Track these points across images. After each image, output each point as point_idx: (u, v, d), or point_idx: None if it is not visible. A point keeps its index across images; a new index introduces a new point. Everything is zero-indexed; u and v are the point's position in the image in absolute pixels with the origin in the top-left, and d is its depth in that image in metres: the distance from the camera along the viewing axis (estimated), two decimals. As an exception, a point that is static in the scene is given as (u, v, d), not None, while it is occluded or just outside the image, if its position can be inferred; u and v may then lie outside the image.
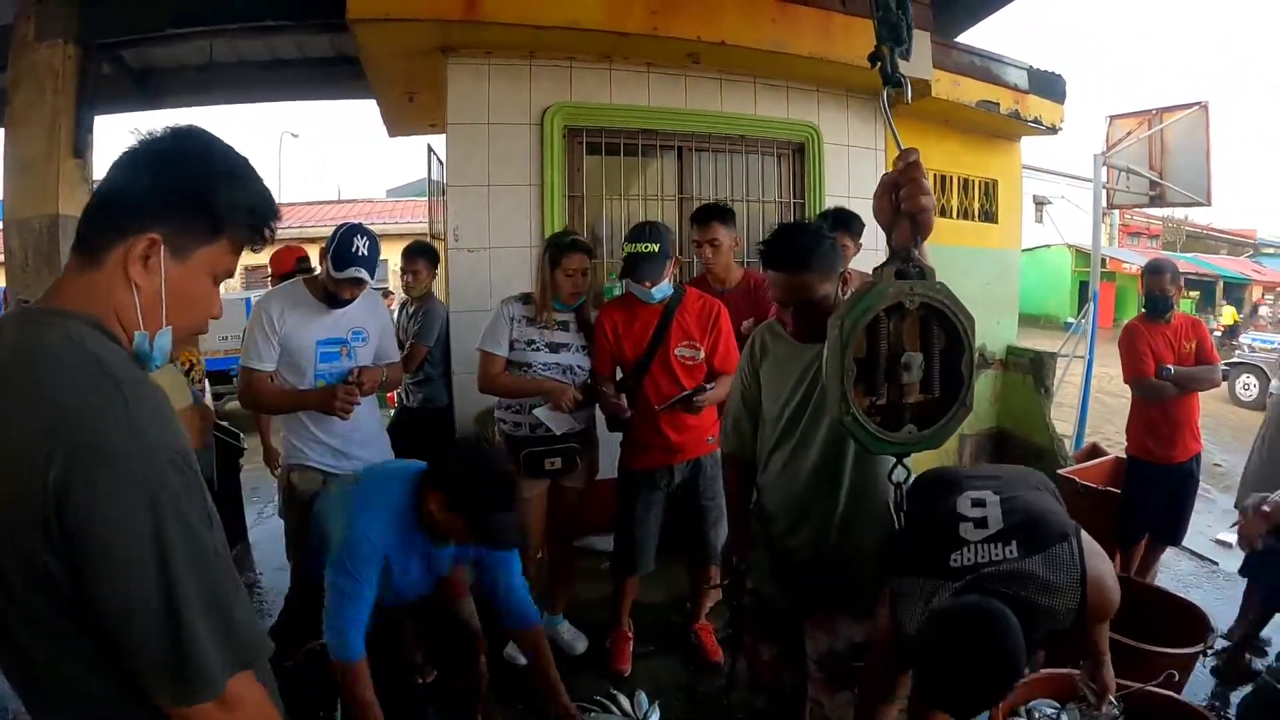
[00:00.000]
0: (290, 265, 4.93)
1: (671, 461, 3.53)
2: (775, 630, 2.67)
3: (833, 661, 2.50)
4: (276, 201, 1.34)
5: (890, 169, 1.69)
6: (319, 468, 3.24)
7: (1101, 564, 2.01)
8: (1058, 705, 2.63)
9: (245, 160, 1.29)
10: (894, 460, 2.07)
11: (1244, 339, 16.87)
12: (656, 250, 3.31)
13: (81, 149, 4.81)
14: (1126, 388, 4.53)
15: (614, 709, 3.44)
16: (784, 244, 2.41)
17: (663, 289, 3.38)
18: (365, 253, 3.10)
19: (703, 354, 3.45)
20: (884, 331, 1.57)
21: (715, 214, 3.87)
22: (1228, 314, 16.19)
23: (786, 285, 2.39)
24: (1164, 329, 4.33)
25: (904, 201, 1.58)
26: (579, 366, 3.57)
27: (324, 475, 3.22)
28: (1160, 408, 4.31)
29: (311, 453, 3.24)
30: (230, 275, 1.39)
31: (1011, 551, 1.95)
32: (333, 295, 3.16)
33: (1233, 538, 6.40)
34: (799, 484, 2.44)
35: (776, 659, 2.72)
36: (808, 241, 2.38)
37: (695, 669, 3.77)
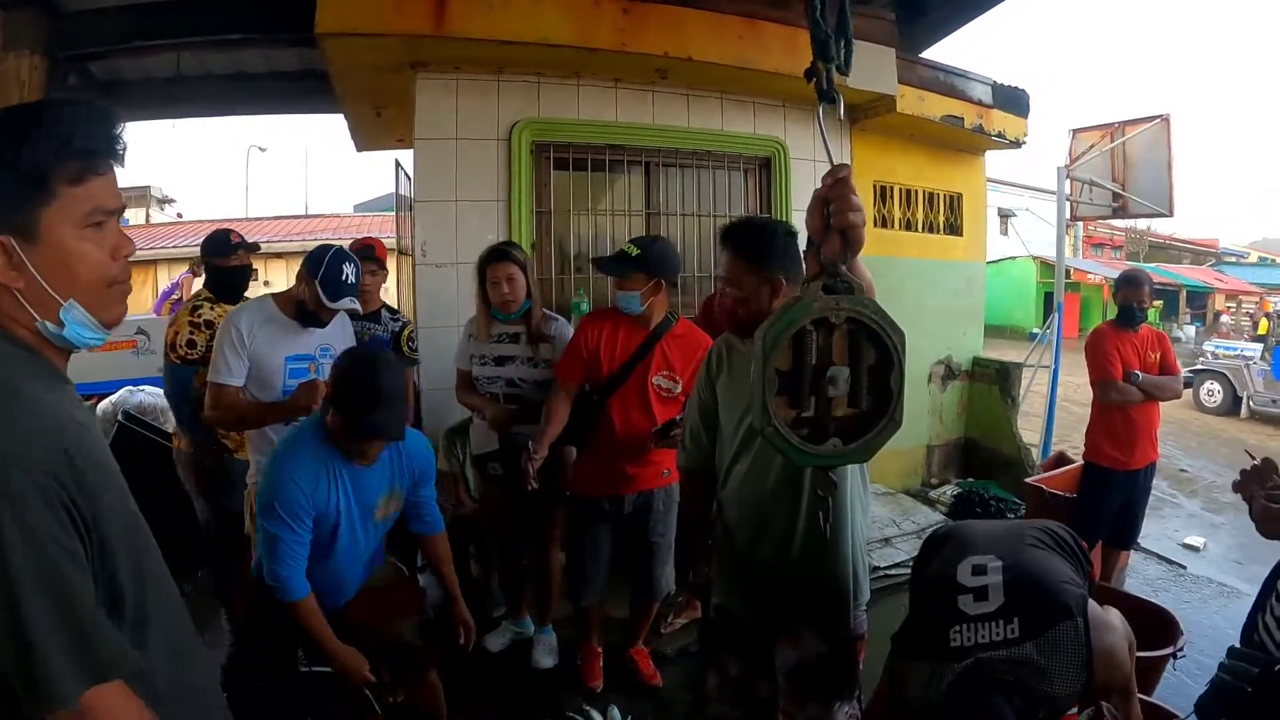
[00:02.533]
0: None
1: (623, 491, 3.40)
2: (742, 645, 2.64)
3: (800, 675, 2.48)
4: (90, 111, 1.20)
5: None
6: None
7: (1110, 636, 1.94)
8: None
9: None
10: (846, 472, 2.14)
11: (1207, 346, 17.13)
12: (634, 254, 3.19)
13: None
14: (1091, 397, 4.58)
15: None
16: (746, 228, 2.44)
17: (630, 301, 3.23)
18: (354, 280, 3.13)
19: (680, 388, 3.29)
20: (810, 345, 1.57)
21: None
22: (1263, 325, 16.47)
23: (732, 268, 2.40)
24: (1132, 337, 4.42)
25: (834, 216, 1.58)
26: (520, 379, 3.54)
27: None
28: (1123, 413, 4.37)
29: None
30: (110, 210, 1.22)
31: (1013, 631, 1.89)
32: (310, 315, 3.14)
33: (1200, 541, 6.54)
34: (760, 497, 2.41)
35: (746, 673, 2.69)
36: (767, 234, 2.39)
37: (669, 687, 3.74)
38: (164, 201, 23.45)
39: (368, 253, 4.13)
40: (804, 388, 1.62)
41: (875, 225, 6.35)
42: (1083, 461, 4.61)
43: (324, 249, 3.14)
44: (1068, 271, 15.43)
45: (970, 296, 7.10)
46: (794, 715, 2.57)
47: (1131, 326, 4.45)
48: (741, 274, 2.37)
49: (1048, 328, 7.70)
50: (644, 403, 3.29)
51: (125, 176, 1.32)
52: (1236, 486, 1.90)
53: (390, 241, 6.72)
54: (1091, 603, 1.95)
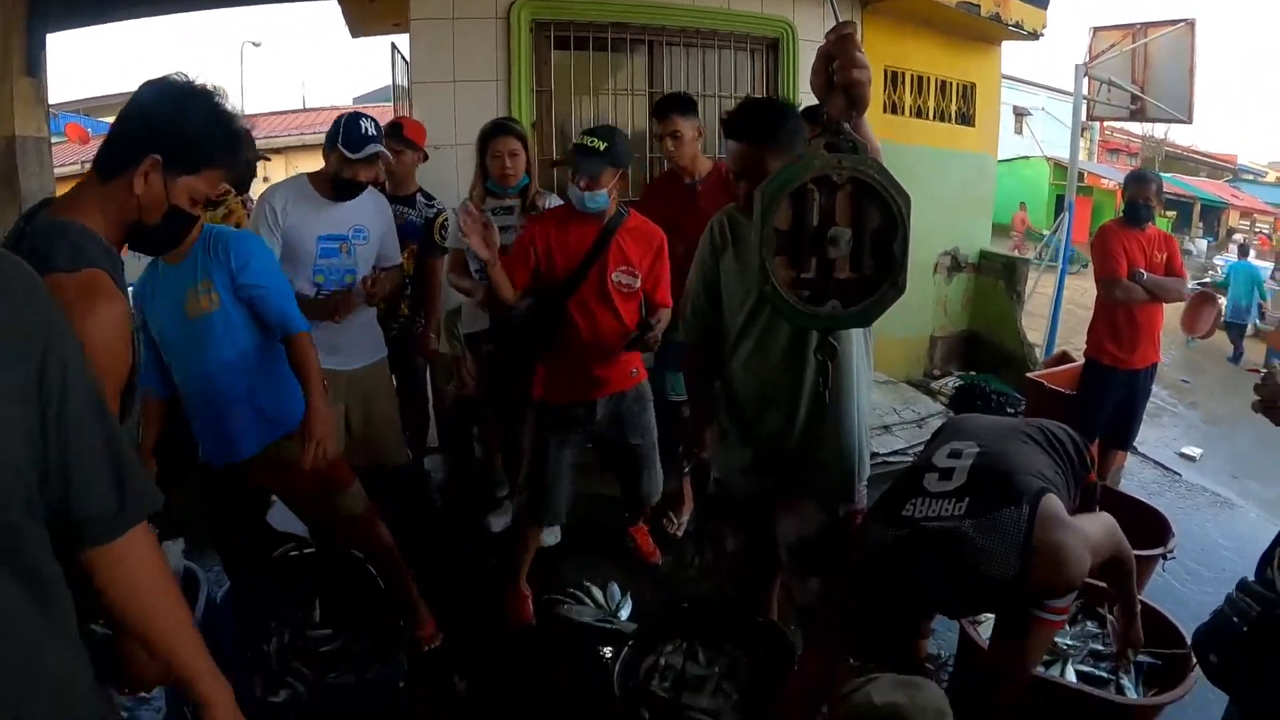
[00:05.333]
0: None
1: (594, 396, 3.22)
2: (742, 519, 2.66)
3: (802, 549, 2.49)
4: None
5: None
6: None
7: (1062, 536, 1.89)
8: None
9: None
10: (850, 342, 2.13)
11: (1216, 260, 16.93)
12: (603, 148, 2.98)
13: (35, 68, 4.62)
14: (1096, 298, 4.52)
15: (587, 601, 3.52)
16: (747, 114, 2.33)
17: (599, 200, 3.00)
18: (374, 131, 3.13)
19: (639, 282, 3.13)
20: (811, 204, 1.51)
21: (673, 105, 3.72)
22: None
23: (742, 156, 2.31)
24: (1139, 236, 4.31)
25: (837, 74, 1.51)
26: None
27: None
28: (1126, 311, 4.31)
29: None
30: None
31: (960, 510, 1.93)
32: (344, 185, 3.14)
33: (1197, 452, 6.54)
34: (766, 370, 2.40)
35: (743, 548, 2.72)
36: (772, 114, 2.31)
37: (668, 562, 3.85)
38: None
39: (395, 130, 3.88)
40: (804, 248, 1.57)
41: (885, 111, 6.19)
42: (1084, 359, 4.54)
43: (340, 116, 3.19)
44: (1081, 174, 15.15)
45: (980, 188, 6.98)
46: (796, 588, 2.62)
47: (1139, 225, 4.34)
48: (762, 157, 2.26)
49: (1056, 229, 7.56)
50: (607, 302, 3.12)
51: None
52: (1260, 391, 1.82)
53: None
54: (1053, 499, 1.94)
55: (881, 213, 1.53)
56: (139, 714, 2.05)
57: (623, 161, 3.08)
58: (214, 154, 1.61)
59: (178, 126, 1.55)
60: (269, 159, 11.14)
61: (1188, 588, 3.79)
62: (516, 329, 3.21)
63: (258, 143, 4.81)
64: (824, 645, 2.37)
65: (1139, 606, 2.45)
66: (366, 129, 3.09)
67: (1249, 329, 12.92)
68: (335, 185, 3.15)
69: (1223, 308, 11.80)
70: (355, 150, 3.07)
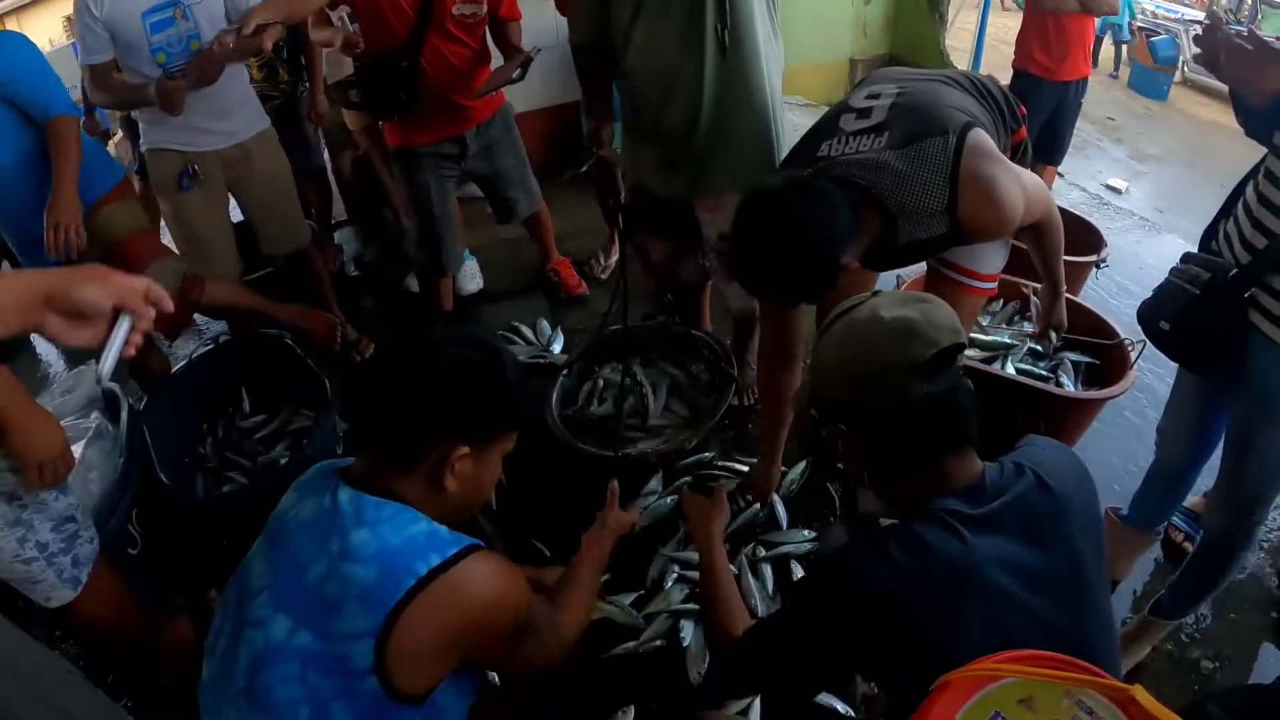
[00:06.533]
0: None
1: (463, 129, 3.06)
2: (664, 224, 2.58)
3: (726, 244, 2.40)
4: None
5: None
6: (178, 149, 2.91)
7: (991, 167, 1.72)
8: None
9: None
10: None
11: (1148, 4, 16.48)
12: None
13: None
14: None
15: (518, 340, 3.54)
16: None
17: None
18: None
19: (485, 7, 2.90)
20: None
21: None
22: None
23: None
24: None
25: None
26: None
27: (184, 156, 2.91)
28: (1056, 20, 4.09)
29: (165, 133, 2.89)
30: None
31: (880, 143, 1.75)
32: None
33: (1123, 184, 6.44)
34: (663, 59, 2.24)
35: (673, 254, 2.68)
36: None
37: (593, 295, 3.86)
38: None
39: None
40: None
41: None
42: (1011, 71, 4.27)
43: None
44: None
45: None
46: (724, 293, 2.68)
47: None
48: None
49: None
50: (455, 39, 2.89)
51: None
52: (1199, 43, 1.58)
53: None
54: (981, 135, 1.75)
55: None
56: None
57: None
58: None
59: None
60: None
61: (1119, 301, 3.77)
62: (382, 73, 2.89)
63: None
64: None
65: (1065, 285, 2.31)
66: None
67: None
68: None
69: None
70: None
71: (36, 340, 3.85)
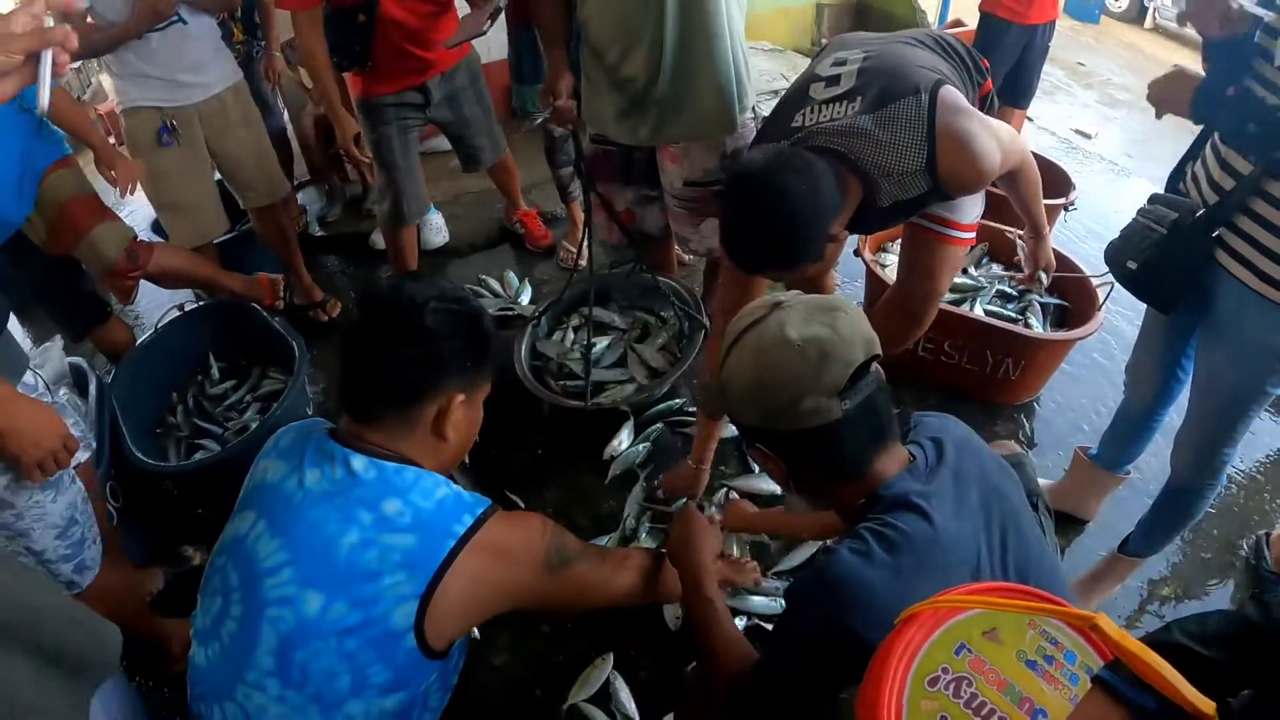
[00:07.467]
0: None
1: (425, 78, 3.01)
2: (628, 173, 2.61)
3: (690, 191, 2.48)
4: None
5: None
6: (155, 105, 2.86)
7: (965, 122, 1.72)
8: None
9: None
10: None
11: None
12: None
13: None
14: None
15: (486, 293, 3.58)
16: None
17: None
18: None
19: None
20: None
21: None
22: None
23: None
24: None
25: None
26: None
27: (161, 112, 2.87)
28: None
29: (139, 90, 2.84)
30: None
31: (853, 110, 1.76)
32: None
33: (1093, 130, 6.43)
34: (624, 6, 2.17)
35: (638, 202, 2.71)
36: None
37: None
38: None
39: None
40: None
41: None
42: (979, 13, 4.21)
43: None
44: None
45: None
46: (688, 238, 2.66)
47: None
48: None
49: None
50: None
51: None
52: (1153, 87, 1.65)
53: None
54: (952, 91, 1.76)
55: None
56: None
57: None
58: None
59: None
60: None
61: (1088, 244, 3.80)
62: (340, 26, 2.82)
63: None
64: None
65: (1047, 227, 2.35)
66: None
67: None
68: None
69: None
70: None
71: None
